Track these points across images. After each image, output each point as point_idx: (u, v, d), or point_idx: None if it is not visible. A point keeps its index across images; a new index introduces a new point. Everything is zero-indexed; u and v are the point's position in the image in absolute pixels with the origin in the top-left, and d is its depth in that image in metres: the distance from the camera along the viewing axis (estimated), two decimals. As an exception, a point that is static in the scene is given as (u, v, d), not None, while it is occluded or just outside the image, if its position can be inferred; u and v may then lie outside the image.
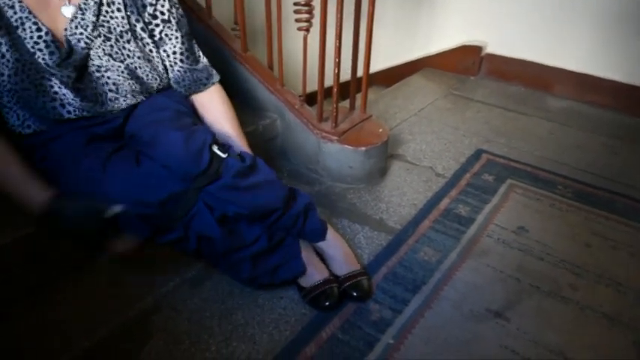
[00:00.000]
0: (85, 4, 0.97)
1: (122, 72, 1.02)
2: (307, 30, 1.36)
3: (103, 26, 1.00)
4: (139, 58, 1.04)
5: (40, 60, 0.94)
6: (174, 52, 1.09)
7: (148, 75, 1.06)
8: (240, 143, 1.12)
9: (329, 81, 1.37)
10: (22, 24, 0.93)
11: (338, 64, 1.31)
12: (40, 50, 0.94)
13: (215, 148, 0.97)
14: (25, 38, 0.93)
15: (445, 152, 1.69)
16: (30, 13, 0.92)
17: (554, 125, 1.93)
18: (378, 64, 2.28)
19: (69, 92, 0.97)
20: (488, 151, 1.70)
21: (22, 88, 0.94)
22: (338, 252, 1.11)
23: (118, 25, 1.01)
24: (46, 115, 0.97)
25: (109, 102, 1.02)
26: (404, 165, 1.60)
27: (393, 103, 2.05)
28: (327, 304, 1.02)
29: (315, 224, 1.09)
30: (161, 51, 1.09)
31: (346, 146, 1.38)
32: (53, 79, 0.96)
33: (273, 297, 1.05)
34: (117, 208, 0.85)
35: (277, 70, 1.48)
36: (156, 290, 1.05)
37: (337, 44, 1.28)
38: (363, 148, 1.38)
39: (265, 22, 1.45)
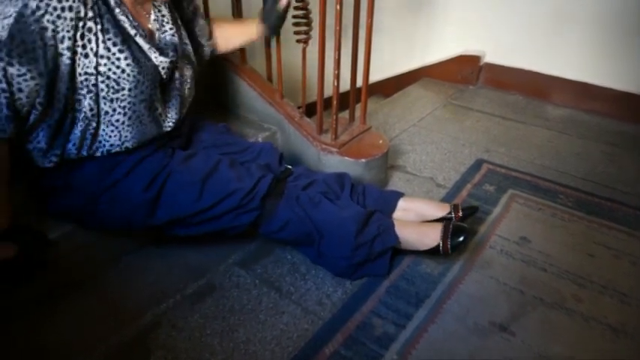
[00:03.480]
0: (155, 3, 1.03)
1: (188, 67, 1.12)
2: (306, 42, 1.36)
3: (175, 18, 1.09)
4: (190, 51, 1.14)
5: (158, 66, 1.00)
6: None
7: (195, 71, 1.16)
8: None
9: (328, 91, 1.37)
10: (136, 32, 0.95)
11: (337, 77, 1.31)
12: (155, 56, 0.99)
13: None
14: (142, 46, 0.96)
15: (445, 162, 1.68)
16: (135, 19, 0.95)
17: (553, 133, 1.93)
18: (376, 74, 2.29)
19: (168, 105, 1.07)
20: (489, 161, 1.70)
21: (140, 100, 0.96)
22: (424, 202, 1.29)
23: (174, 15, 1.10)
24: (148, 131, 1.02)
25: (183, 108, 1.12)
26: (404, 176, 1.60)
27: (392, 114, 2.05)
28: (461, 238, 1.11)
29: (387, 192, 1.30)
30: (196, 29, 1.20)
31: (346, 158, 1.38)
32: (158, 91, 1.02)
33: (274, 313, 1.04)
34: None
35: (276, 82, 1.49)
36: (155, 307, 1.03)
37: (336, 56, 1.28)
38: (363, 160, 1.38)
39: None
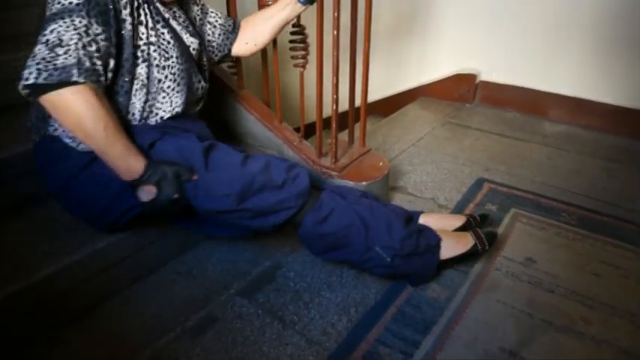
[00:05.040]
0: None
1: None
2: (303, 66, 1.37)
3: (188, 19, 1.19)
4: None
5: (189, 46, 1.12)
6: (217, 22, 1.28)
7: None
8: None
9: (326, 110, 1.36)
10: (170, 16, 1.08)
11: (336, 101, 1.31)
12: (186, 37, 1.11)
13: None
14: (176, 28, 1.09)
15: (446, 182, 1.67)
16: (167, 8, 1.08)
17: (551, 150, 1.93)
18: (373, 95, 2.30)
19: (200, 84, 1.17)
20: (490, 180, 1.69)
21: (185, 68, 1.07)
22: (441, 215, 1.35)
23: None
24: (191, 98, 1.13)
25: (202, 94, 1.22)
26: (406, 197, 1.58)
27: (391, 134, 2.05)
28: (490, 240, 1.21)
29: (407, 210, 1.28)
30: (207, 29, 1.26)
31: (347, 181, 1.36)
32: (195, 67, 1.14)
33: (278, 344, 1.01)
34: (196, 176, 0.99)
35: (275, 107, 1.48)
36: (155, 341, 1.00)
37: (334, 81, 1.28)
38: (364, 183, 1.37)
39: (261, 60, 1.46)
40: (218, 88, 1.52)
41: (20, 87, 0.85)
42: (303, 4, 1.22)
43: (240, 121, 1.54)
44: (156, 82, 1.02)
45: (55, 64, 0.84)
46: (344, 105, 1.46)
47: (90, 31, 0.88)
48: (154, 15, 1.02)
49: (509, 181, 1.68)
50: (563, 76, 2.12)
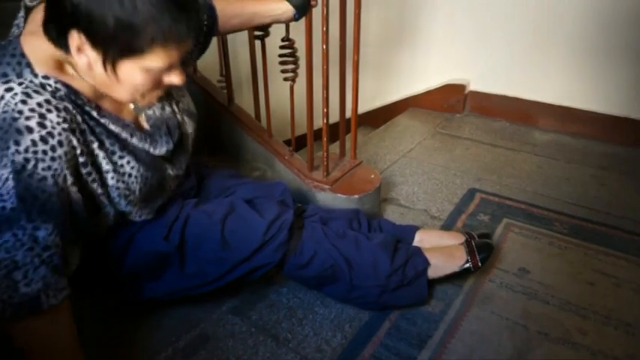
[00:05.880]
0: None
1: (190, 121, 1.07)
2: (293, 80, 1.37)
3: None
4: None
5: (160, 155, 0.95)
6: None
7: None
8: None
9: (317, 122, 1.36)
10: (127, 133, 0.88)
11: (326, 115, 1.31)
12: (152, 148, 0.93)
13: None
14: (138, 145, 0.90)
15: (438, 193, 1.67)
16: (120, 118, 0.88)
17: (541, 159, 1.94)
18: (363, 106, 2.31)
19: (176, 168, 1.03)
20: (481, 190, 1.69)
21: (152, 190, 0.95)
22: (439, 232, 1.28)
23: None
24: (160, 201, 1.01)
25: (187, 161, 1.08)
26: (398, 209, 1.58)
27: (381, 145, 2.05)
28: (484, 255, 1.17)
29: (402, 225, 1.29)
30: None
31: (339, 195, 1.36)
32: (168, 167, 0.99)
33: (272, 363, 0.99)
34: None
35: (265, 121, 1.48)
36: (146, 363, 0.98)
37: (324, 95, 1.28)
38: (356, 196, 1.36)
39: (251, 74, 1.46)
40: (207, 102, 1.51)
41: None
42: (296, 19, 1.19)
43: (230, 135, 1.54)
44: (124, 215, 0.95)
45: (20, 294, 0.73)
46: (335, 116, 1.47)
47: (39, 235, 0.74)
48: (108, 147, 0.85)
49: (500, 191, 1.68)
50: (552, 85, 2.15)
